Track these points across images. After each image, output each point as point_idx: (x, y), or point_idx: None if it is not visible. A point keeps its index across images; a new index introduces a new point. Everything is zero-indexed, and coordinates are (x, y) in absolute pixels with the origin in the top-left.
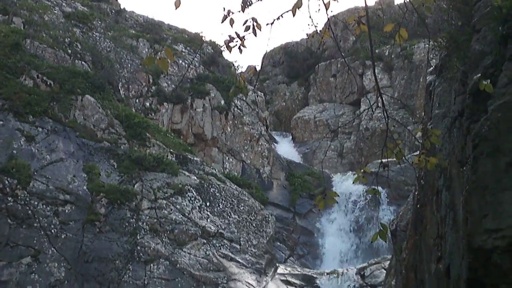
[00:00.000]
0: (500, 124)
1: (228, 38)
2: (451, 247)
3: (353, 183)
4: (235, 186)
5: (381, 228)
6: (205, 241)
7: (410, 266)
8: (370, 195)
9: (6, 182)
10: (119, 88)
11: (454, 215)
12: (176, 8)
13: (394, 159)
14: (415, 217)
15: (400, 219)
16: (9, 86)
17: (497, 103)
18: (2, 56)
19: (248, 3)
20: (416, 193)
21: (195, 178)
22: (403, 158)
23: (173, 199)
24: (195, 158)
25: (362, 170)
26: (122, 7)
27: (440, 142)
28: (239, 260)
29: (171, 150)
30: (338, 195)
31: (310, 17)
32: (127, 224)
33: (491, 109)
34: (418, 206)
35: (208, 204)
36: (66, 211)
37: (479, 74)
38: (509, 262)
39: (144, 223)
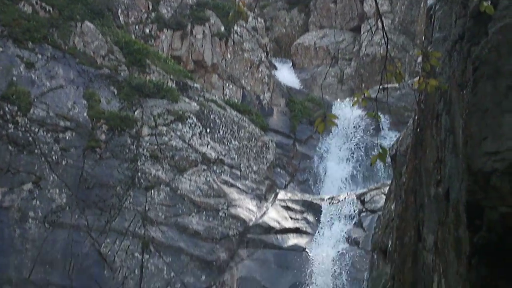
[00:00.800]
0: (500, 47)
1: None
2: (450, 171)
3: (353, 105)
4: (235, 112)
5: (381, 151)
6: (205, 168)
7: (409, 190)
8: (370, 120)
9: (6, 109)
10: (118, 14)
11: (453, 139)
12: None
13: (394, 83)
14: (415, 141)
15: (399, 144)
16: (8, 12)
17: (497, 25)
18: None
19: None
20: (416, 117)
21: (195, 104)
22: (403, 80)
23: (174, 125)
24: (195, 85)
25: (362, 93)
26: None
27: (440, 65)
28: (239, 186)
29: (171, 76)
30: (338, 118)
31: None
32: (127, 150)
33: (491, 32)
34: (418, 130)
35: (208, 130)
36: (67, 137)
37: None
38: (507, 185)
39: (145, 150)
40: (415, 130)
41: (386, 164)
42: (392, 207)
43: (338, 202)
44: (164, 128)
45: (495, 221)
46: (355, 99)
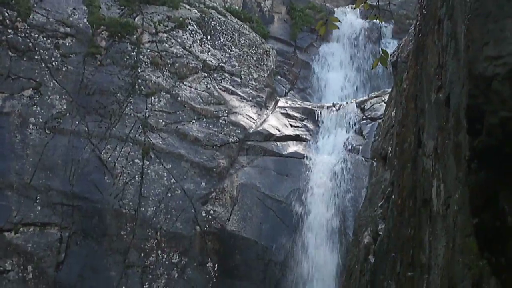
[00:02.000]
0: None
1: None
2: (451, 76)
3: (354, 8)
4: (236, 19)
5: (382, 54)
6: (206, 75)
7: (410, 96)
8: (372, 28)
9: (6, 14)
10: None
11: (455, 44)
12: None
13: None
14: (416, 47)
15: (401, 50)
16: None
17: None
18: None
19: None
20: (417, 23)
21: (196, 11)
22: None
23: (174, 32)
24: None
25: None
26: None
27: None
28: (240, 93)
29: None
30: (340, 21)
31: None
32: (128, 57)
33: None
34: (419, 36)
35: (209, 37)
36: (67, 44)
37: None
38: (508, 89)
39: (145, 57)
40: (416, 36)
41: (387, 69)
42: (393, 113)
43: (338, 110)
44: (165, 35)
45: (495, 125)
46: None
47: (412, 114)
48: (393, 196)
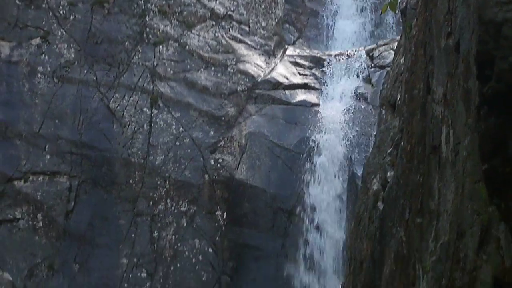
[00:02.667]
0: None
1: None
2: (461, 22)
3: None
4: None
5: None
6: (214, 23)
7: (419, 43)
8: None
9: None
10: None
11: None
12: None
13: None
14: None
15: None
16: None
17: None
18: None
19: None
20: None
21: None
22: None
23: None
24: None
25: None
26: None
27: None
28: (248, 42)
29: None
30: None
31: None
32: (135, 6)
33: None
34: None
35: None
36: None
37: None
38: None
39: (153, 5)
40: None
41: (396, 15)
42: (401, 61)
43: (347, 58)
44: None
45: (505, 71)
46: None
47: (421, 60)
48: (402, 143)
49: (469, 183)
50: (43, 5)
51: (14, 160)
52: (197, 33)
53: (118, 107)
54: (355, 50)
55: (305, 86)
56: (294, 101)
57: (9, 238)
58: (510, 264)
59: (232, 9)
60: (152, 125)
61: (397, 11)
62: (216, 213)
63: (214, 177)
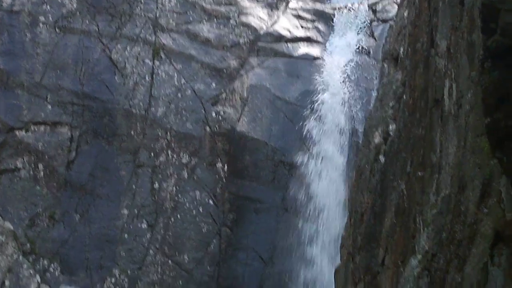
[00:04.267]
0: None
1: None
2: None
3: None
4: None
5: None
6: None
7: None
8: None
9: None
10: None
11: None
12: None
13: None
14: None
15: None
16: None
17: None
18: None
19: None
20: None
21: None
22: None
23: None
24: None
25: None
26: None
27: None
28: None
29: None
30: None
31: None
32: None
33: None
34: None
35: None
36: None
37: None
38: None
39: None
40: None
41: None
42: (405, 14)
43: (349, 11)
44: None
45: (510, 24)
46: None
47: (425, 13)
48: (404, 97)
49: (471, 137)
50: None
51: (16, 110)
52: None
53: (120, 58)
54: (358, 4)
55: (307, 40)
56: (296, 54)
57: (11, 188)
58: (511, 218)
59: None
60: (154, 76)
61: None
62: (217, 165)
63: (215, 129)
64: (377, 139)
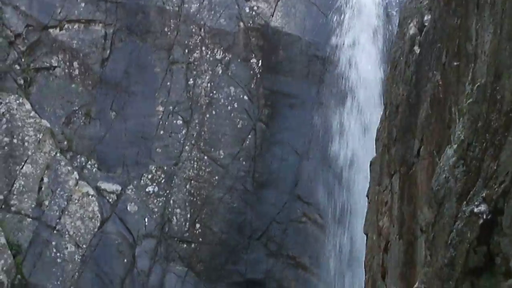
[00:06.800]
0: None
1: None
2: None
3: None
4: None
5: None
6: None
7: None
8: None
9: None
10: None
11: None
12: None
13: None
14: None
15: None
16: None
17: None
18: None
19: None
20: None
21: None
22: None
23: None
24: None
25: None
26: None
27: None
28: None
29: None
30: None
31: None
32: None
33: None
34: None
35: None
36: None
37: None
38: None
39: None
40: None
41: None
42: None
43: None
44: None
45: None
46: None
47: None
48: None
49: (508, 24)
50: None
51: (49, 8)
52: None
53: None
54: None
55: None
56: None
57: (46, 86)
58: None
59: None
60: None
61: None
62: (251, 61)
63: (249, 24)
64: (412, 30)
